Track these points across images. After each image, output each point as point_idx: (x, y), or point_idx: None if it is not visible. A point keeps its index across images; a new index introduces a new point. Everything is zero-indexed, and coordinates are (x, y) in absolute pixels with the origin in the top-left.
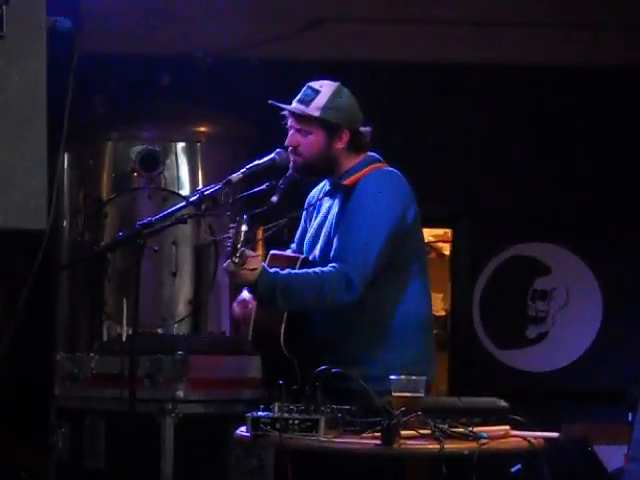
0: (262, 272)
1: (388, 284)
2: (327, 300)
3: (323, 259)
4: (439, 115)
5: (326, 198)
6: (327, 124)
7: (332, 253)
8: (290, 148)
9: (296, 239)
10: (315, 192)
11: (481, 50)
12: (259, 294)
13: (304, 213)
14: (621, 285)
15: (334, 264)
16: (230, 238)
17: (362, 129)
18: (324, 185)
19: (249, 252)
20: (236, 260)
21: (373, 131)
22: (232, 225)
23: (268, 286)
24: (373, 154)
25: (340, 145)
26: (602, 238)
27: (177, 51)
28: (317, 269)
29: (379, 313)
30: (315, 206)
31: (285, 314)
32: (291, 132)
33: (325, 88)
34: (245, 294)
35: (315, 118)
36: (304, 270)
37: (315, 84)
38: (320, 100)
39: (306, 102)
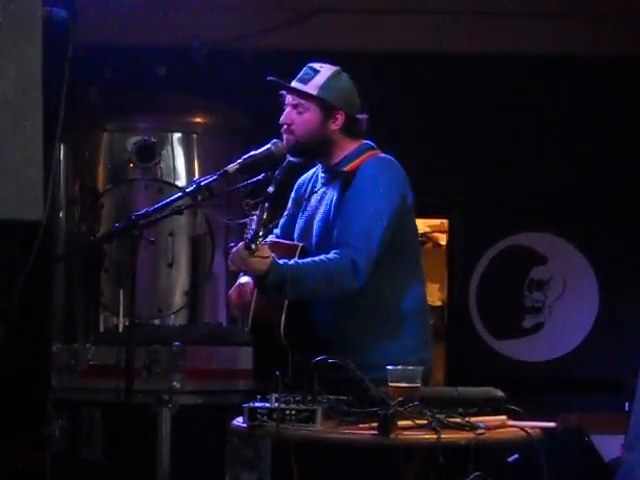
0: (273, 262)
1: (387, 271)
2: (335, 288)
3: (320, 246)
4: (436, 105)
5: (319, 185)
6: (323, 103)
7: (335, 238)
8: (284, 126)
9: (281, 225)
10: (304, 179)
11: (481, 40)
12: (269, 284)
13: (292, 200)
14: (617, 274)
15: (338, 250)
16: (249, 224)
17: (359, 116)
18: (315, 172)
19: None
20: (253, 247)
21: (371, 120)
22: (253, 212)
23: (279, 276)
24: (368, 142)
25: (334, 126)
26: (598, 227)
27: (173, 41)
28: (323, 257)
29: (379, 300)
30: (307, 194)
31: (286, 303)
32: (287, 110)
33: (325, 69)
34: (243, 279)
35: (312, 96)
36: (311, 259)
37: (315, 65)
38: (319, 79)
39: (305, 80)
